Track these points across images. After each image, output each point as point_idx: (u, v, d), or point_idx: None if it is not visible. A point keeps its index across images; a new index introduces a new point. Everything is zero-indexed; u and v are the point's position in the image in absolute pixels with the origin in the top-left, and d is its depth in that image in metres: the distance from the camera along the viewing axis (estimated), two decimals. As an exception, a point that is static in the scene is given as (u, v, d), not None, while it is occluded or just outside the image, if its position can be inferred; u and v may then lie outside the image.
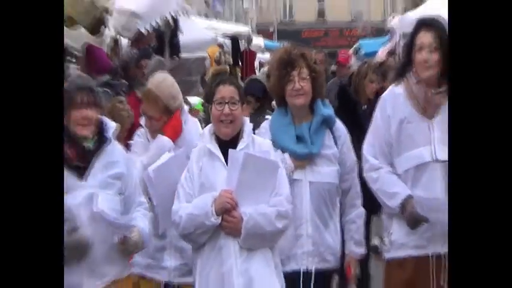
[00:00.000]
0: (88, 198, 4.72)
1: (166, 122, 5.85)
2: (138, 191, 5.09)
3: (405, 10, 30.52)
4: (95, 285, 4.78)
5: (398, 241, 5.29)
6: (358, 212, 5.55)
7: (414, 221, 5.13)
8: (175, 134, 5.87)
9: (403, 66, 5.52)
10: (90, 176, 4.79)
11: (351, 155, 5.55)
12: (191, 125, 5.94)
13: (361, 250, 5.57)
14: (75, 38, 9.91)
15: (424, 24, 5.32)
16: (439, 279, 5.13)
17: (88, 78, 5.53)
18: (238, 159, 4.74)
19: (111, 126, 5.00)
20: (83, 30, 9.66)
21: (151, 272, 5.77)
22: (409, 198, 5.15)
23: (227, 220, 4.69)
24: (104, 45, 10.54)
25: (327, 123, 5.46)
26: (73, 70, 8.98)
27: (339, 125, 5.56)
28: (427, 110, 5.22)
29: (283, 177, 4.92)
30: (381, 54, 19.39)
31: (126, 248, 4.80)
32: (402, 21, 16.60)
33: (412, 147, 5.24)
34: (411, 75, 5.31)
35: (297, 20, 63.40)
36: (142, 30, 10.41)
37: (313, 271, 5.27)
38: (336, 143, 5.45)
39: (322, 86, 5.59)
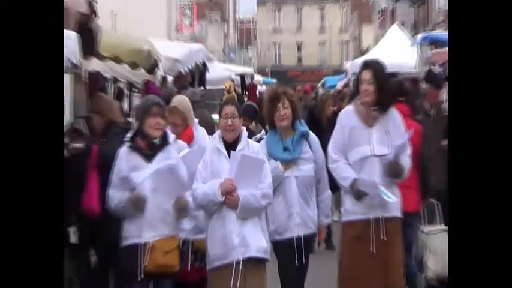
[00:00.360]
0: (153, 174, 6.43)
1: (185, 128, 7.36)
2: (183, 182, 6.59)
3: (354, 57, 41.56)
4: (151, 235, 6.44)
5: (350, 209, 6.99)
6: (326, 194, 7.32)
7: (358, 195, 6.83)
8: (189, 140, 7.39)
9: (353, 93, 7.88)
10: (154, 161, 6.53)
11: (321, 156, 7.21)
12: (200, 131, 7.39)
13: (328, 220, 7.43)
14: (138, 75, 12.85)
15: (365, 65, 7.13)
16: (378, 235, 6.80)
17: (158, 98, 7.23)
18: (237, 158, 6.38)
19: (172, 136, 6.81)
20: (143, 70, 12.23)
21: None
22: (356, 180, 6.82)
23: (228, 198, 6.33)
24: (156, 80, 13.14)
25: (304, 136, 7.14)
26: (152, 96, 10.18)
27: (312, 136, 7.23)
28: (367, 122, 6.92)
29: (267, 171, 6.54)
30: (339, 86, 27.11)
31: (181, 206, 6.53)
32: (352, 65, 22.58)
33: (358, 145, 6.92)
34: (358, 99, 7.02)
35: (283, 64, 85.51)
36: (182, 71, 14.21)
37: (302, 236, 6.94)
38: (310, 149, 7.15)
39: (299, 111, 7.32)
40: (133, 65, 11.90)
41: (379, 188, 6.74)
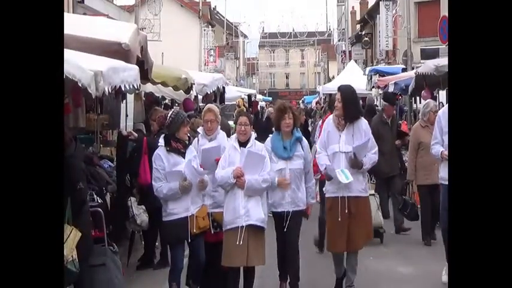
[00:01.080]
0: (187, 165, 6.34)
1: (218, 124, 7.07)
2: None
3: (324, 83, 41.55)
4: (194, 208, 6.41)
5: (326, 188, 6.92)
6: (312, 181, 7.08)
7: (328, 177, 6.79)
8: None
9: (330, 107, 8.16)
10: (186, 156, 6.45)
11: (309, 155, 6.99)
12: (221, 133, 7.06)
13: (313, 200, 7.13)
14: (178, 95, 13.49)
15: (338, 88, 7.02)
16: (344, 209, 6.67)
17: (185, 113, 7.27)
18: (245, 152, 6.34)
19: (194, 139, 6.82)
20: (182, 91, 12.54)
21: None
22: (328, 166, 6.74)
23: (238, 181, 6.27)
24: (191, 98, 13.70)
25: (298, 140, 6.89)
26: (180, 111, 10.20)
27: (304, 140, 7.01)
28: (339, 128, 6.80)
29: (267, 163, 6.46)
30: (313, 103, 28.47)
31: (203, 185, 6.42)
32: (323, 89, 24.50)
33: (331, 144, 6.80)
34: (335, 112, 6.95)
35: (276, 87, 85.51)
36: (208, 92, 14.40)
37: (290, 211, 6.74)
38: (302, 149, 6.88)
39: (298, 121, 7.09)
40: (175, 88, 12.13)
41: (342, 172, 6.65)
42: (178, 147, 6.47)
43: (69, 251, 5.49)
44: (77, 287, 5.98)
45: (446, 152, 7.22)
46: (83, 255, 5.66)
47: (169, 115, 6.69)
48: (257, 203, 6.34)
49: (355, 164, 6.70)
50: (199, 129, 7.13)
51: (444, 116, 7.51)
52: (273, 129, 7.35)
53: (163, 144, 6.48)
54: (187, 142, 6.57)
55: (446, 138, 7.27)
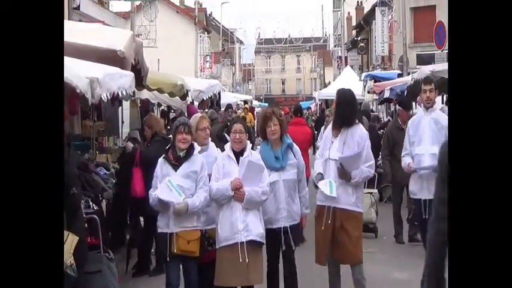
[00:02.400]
0: (176, 182, 5.88)
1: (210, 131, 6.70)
2: (203, 181, 5.98)
3: (320, 89, 42.53)
4: (177, 227, 5.90)
5: (317, 196, 6.44)
6: (305, 191, 6.46)
7: (315, 186, 6.49)
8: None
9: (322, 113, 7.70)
10: (179, 170, 5.96)
11: (302, 162, 6.43)
12: (211, 143, 6.64)
13: (307, 210, 6.46)
14: (174, 101, 13.12)
15: (337, 92, 6.71)
16: (328, 219, 6.21)
17: (186, 119, 6.66)
18: (245, 163, 5.82)
19: (197, 147, 6.11)
20: (178, 98, 12.40)
21: None
22: (318, 174, 6.39)
23: (237, 193, 5.72)
24: (186, 105, 13.64)
25: (289, 147, 6.30)
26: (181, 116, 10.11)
27: (296, 146, 6.42)
28: (333, 133, 6.39)
29: (266, 174, 5.89)
30: (311, 108, 28.57)
31: (175, 210, 5.86)
32: (319, 94, 25.68)
33: (325, 150, 6.41)
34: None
35: (273, 93, 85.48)
36: (204, 98, 14.57)
37: (288, 226, 6.17)
38: (295, 156, 6.30)
39: (285, 127, 6.45)
40: (171, 94, 12.07)
41: (324, 183, 6.27)
42: (170, 158, 6.03)
43: (67, 255, 5.54)
44: None
45: (412, 165, 7.17)
46: (77, 261, 5.66)
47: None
48: (256, 216, 5.83)
49: (342, 175, 6.22)
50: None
51: (412, 125, 7.43)
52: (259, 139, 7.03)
53: (165, 151, 6.17)
54: (181, 154, 6.00)
55: (413, 149, 7.21)
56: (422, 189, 7.38)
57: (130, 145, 8.64)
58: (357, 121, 6.48)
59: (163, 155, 6.10)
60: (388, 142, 9.98)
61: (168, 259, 5.97)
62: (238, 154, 5.91)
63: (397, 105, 12.13)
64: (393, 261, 8.79)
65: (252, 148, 6.50)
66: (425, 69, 11.64)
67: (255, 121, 22.68)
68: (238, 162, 5.87)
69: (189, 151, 6.02)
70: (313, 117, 28.92)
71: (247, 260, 5.67)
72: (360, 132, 6.34)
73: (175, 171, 5.96)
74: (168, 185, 5.90)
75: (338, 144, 6.29)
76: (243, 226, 5.73)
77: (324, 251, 6.33)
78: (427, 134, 7.40)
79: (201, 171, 6.00)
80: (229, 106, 16.60)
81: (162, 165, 6.05)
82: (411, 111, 10.65)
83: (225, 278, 5.78)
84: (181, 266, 6.09)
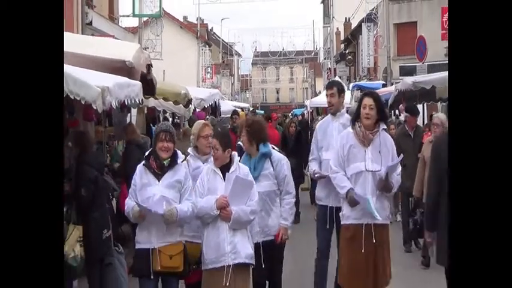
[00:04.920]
0: (160, 193, 4.90)
1: None
2: (188, 192, 5.00)
3: (311, 97, 40.42)
4: (160, 242, 4.92)
5: (346, 214, 5.33)
6: (286, 202, 5.51)
7: (352, 203, 5.20)
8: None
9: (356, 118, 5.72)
10: (162, 179, 4.95)
11: (283, 171, 5.47)
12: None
13: (286, 222, 5.50)
14: (178, 109, 13.12)
15: (366, 94, 5.66)
16: (368, 238, 5.18)
17: (169, 125, 5.46)
18: (231, 179, 4.84)
19: (181, 156, 5.12)
20: (181, 105, 12.40)
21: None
22: (351, 189, 5.21)
23: (223, 212, 4.78)
24: (190, 111, 13.83)
25: (265, 156, 5.44)
26: (166, 122, 9.88)
27: (276, 155, 5.52)
28: (364, 142, 5.28)
29: (255, 190, 4.96)
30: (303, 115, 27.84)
31: (164, 219, 4.86)
32: (310, 103, 24.11)
33: (354, 161, 5.27)
34: (364, 121, 5.44)
35: (268, 102, 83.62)
36: (206, 106, 14.90)
37: (260, 242, 5.32)
38: (272, 166, 5.42)
39: (260, 136, 5.50)
40: (176, 102, 12.12)
41: (368, 203, 5.15)
42: (152, 166, 4.99)
43: (70, 247, 5.71)
44: (90, 284, 6.16)
45: (318, 171, 6.12)
46: (93, 256, 5.77)
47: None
48: (243, 236, 4.88)
49: (386, 186, 5.21)
50: (190, 150, 5.57)
51: (320, 130, 6.38)
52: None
53: (145, 157, 5.13)
54: (165, 162, 4.98)
55: (321, 154, 6.17)
56: (329, 196, 6.11)
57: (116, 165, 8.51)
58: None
59: (144, 163, 5.06)
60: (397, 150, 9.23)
61: (151, 277, 4.92)
62: (224, 168, 4.94)
63: (404, 112, 11.57)
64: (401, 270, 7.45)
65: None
66: (408, 80, 11.65)
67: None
68: (224, 178, 4.91)
69: (173, 159, 5.01)
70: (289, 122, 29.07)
71: (234, 283, 4.77)
72: (389, 138, 5.41)
73: (158, 180, 4.96)
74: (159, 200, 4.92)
75: (372, 154, 5.23)
76: (230, 248, 4.79)
77: (369, 278, 5.19)
78: (335, 140, 6.12)
79: (185, 182, 5.01)
80: (235, 112, 16.37)
81: (142, 174, 5.01)
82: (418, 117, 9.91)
83: None
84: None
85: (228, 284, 4.74)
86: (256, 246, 5.19)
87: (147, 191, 4.91)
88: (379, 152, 5.21)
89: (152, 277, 4.91)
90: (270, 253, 5.39)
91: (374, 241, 5.17)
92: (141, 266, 4.96)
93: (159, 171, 4.96)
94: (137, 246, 5.04)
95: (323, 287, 6.25)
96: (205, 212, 4.81)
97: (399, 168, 5.35)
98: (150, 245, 4.92)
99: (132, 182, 5.05)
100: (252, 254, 4.92)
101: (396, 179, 5.28)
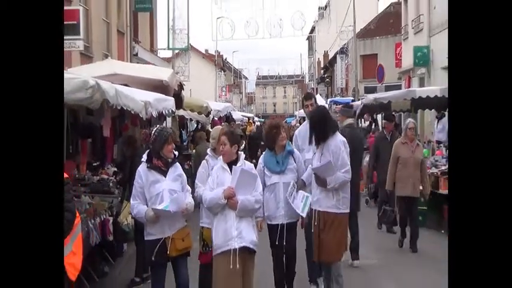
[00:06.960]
0: (168, 187, 4.35)
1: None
2: (186, 186, 4.49)
3: (299, 109, 38.59)
4: (172, 231, 4.36)
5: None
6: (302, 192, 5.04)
7: (320, 181, 4.86)
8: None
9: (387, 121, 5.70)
10: (168, 174, 4.37)
11: (302, 167, 5.05)
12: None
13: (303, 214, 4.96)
14: (201, 117, 12.99)
15: (308, 117, 5.15)
16: (314, 221, 4.87)
17: (175, 132, 5.04)
18: (237, 171, 4.20)
19: (175, 153, 4.54)
20: (203, 115, 12.49)
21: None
22: (301, 180, 5.01)
23: (230, 202, 4.14)
24: (209, 119, 13.73)
25: (290, 153, 5.03)
26: (169, 126, 9.62)
27: (296, 153, 5.12)
28: (317, 148, 4.95)
29: (259, 182, 4.35)
30: (293, 123, 27.36)
31: (187, 213, 4.39)
32: (299, 113, 23.87)
33: (313, 161, 4.95)
34: None
35: (267, 112, 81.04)
36: (221, 115, 14.98)
37: (285, 223, 4.94)
38: (295, 161, 5.02)
39: (289, 136, 5.24)
40: (199, 113, 12.50)
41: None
42: (158, 165, 4.35)
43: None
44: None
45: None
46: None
47: (153, 132, 4.49)
48: (249, 224, 4.22)
49: (318, 182, 4.84)
50: (208, 151, 5.00)
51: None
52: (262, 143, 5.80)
53: (145, 161, 4.40)
54: (169, 160, 4.40)
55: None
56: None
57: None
58: (332, 132, 4.90)
59: (148, 165, 4.37)
60: (374, 150, 8.49)
61: (166, 264, 4.36)
62: (231, 165, 4.28)
63: (383, 120, 11.06)
64: (383, 269, 6.54)
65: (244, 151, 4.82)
66: (370, 96, 11.71)
67: (253, 129, 22.54)
68: (232, 171, 4.27)
69: (174, 156, 4.48)
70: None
71: (237, 265, 4.07)
72: (334, 143, 4.83)
73: (165, 176, 4.36)
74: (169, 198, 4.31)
75: (317, 155, 4.87)
76: (236, 233, 4.12)
77: (315, 248, 4.93)
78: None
79: (182, 176, 4.49)
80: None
81: (146, 174, 4.36)
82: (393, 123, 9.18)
83: (223, 287, 4.17)
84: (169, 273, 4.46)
85: (237, 266, 4.08)
86: (282, 227, 4.87)
87: (156, 187, 4.32)
88: (321, 154, 4.82)
89: (160, 265, 4.32)
90: (291, 232, 4.98)
91: (318, 224, 4.83)
92: (158, 256, 4.29)
93: (164, 168, 4.37)
94: (150, 237, 4.34)
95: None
96: (214, 203, 4.15)
97: (345, 167, 4.78)
98: (163, 234, 4.31)
99: (135, 184, 4.38)
100: (256, 241, 4.25)
101: (337, 176, 4.74)
